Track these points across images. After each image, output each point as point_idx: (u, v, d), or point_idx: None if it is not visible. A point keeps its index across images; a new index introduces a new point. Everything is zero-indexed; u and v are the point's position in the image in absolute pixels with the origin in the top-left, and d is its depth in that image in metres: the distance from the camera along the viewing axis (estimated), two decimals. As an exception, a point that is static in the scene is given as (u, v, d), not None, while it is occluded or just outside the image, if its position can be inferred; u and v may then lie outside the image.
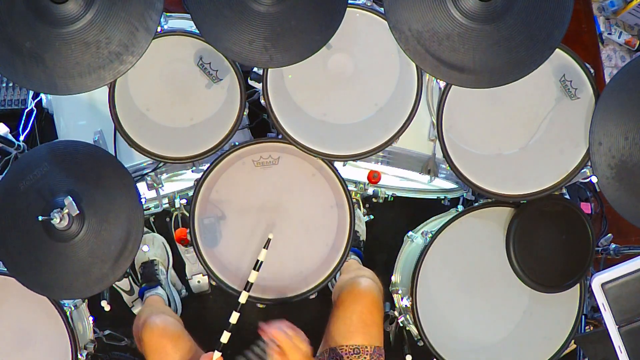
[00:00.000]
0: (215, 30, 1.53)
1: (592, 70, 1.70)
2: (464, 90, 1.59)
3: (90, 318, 1.85)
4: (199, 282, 2.23)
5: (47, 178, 1.52)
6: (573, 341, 1.84)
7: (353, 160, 1.78)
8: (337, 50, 1.73)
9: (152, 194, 1.94)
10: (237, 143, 1.75)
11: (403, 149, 1.89)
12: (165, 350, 1.66)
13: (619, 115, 1.58)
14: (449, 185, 2.09)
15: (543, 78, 1.70)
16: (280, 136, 1.73)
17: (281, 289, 1.76)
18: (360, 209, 2.26)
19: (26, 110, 2.31)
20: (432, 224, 2.04)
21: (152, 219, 2.26)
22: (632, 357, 1.44)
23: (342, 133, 1.75)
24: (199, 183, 1.74)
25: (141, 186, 1.83)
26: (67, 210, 1.42)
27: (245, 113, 1.75)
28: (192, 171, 1.88)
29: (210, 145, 1.73)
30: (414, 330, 1.92)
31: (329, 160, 1.76)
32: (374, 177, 1.99)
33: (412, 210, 2.35)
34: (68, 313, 1.67)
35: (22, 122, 2.30)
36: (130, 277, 2.17)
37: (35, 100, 2.30)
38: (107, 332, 2.00)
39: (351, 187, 2.07)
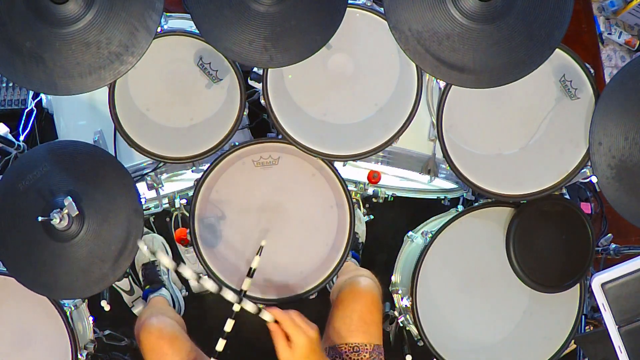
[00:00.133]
0: (215, 30, 1.53)
1: (592, 70, 1.70)
2: (464, 90, 1.59)
3: (90, 318, 1.85)
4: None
5: (46, 178, 1.52)
6: (573, 341, 1.84)
7: (353, 160, 1.78)
8: (337, 50, 1.73)
9: (152, 194, 1.94)
10: (237, 143, 1.75)
11: (403, 149, 1.89)
12: (162, 351, 1.66)
13: (619, 115, 1.58)
14: (449, 185, 2.09)
15: (543, 78, 1.70)
16: (280, 136, 1.73)
17: (281, 289, 1.76)
18: (360, 209, 2.26)
19: (26, 110, 2.31)
20: (432, 224, 2.04)
21: (152, 219, 2.26)
22: (632, 357, 1.44)
23: (342, 133, 1.75)
24: (199, 183, 1.74)
25: (141, 186, 1.83)
26: (67, 211, 1.42)
27: (245, 113, 1.75)
28: (192, 171, 1.88)
29: (210, 145, 1.73)
30: (414, 330, 1.92)
31: (329, 160, 1.76)
32: (374, 177, 1.99)
33: (412, 210, 2.35)
34: (68, 313, 1.67)
35: (22, 122, 2.30)
36: (130, 277, 2.18)
37: (35, 100, 2.30)
38: (107, 332, 2.00)
39: (351, 187, 2.07)
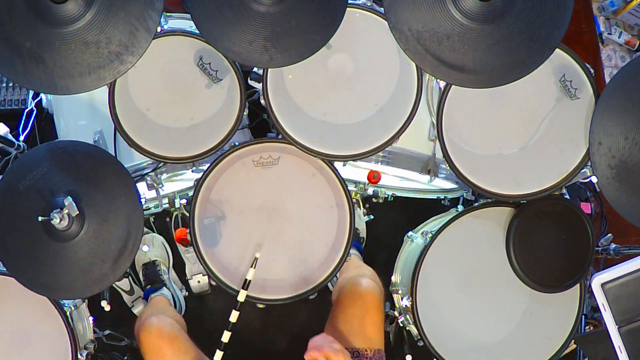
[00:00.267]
0: (215, 30, 1.53)
1: (592, 70, 1.70)
2: (464, 90, 1.59)
3: (90, 318, 1.85)
4: (199, 282, 2.23)
5: (47, 178, 1.52)
6: (573, 341, 1.84)
7: (353, 160, 1.78)
8: (337, 50, 1.73)
9: (152, 194, 1.94)
10: (237, 143, 1.75)
11: (403, 149, 1.88)
12: (162, 351, 1.66)
13: (619, 115, 1.58)
14: (449, 185, 2.09)
15: (543, 78, 1.70)
16: (280, 136, 1.73)
17: (281, 289, 1.76)
18: (360, 209, 2.26)
19: (26, 110, 2.31)
20: (432, 224, 2.04)
21: (152, 219, 2.26)
22: (632, 357, 1.44)
23: (342, 133, 1.75)
24: (199, 183, 1.74)
25: (141, 186, 1.83)
26: (67, 211, 1.42)
27: (245, 113, 1.75)
28: (192, 171, 1.88)
29: (210, 145, 1.73)
30: (414, 330, 1.92)
31: (329, 160, 1.76)
32: (374, 177, 1.99)
33: (412, 210, 2.35)
34: (68, 313, 1.67)
35: (22, 122, 2.30)
36: (130, 277, 2.17)
37: (35, 100, 2.30)
38: (107, 332, 2.00)
39: (351, 187, 2.07)
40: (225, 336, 1.56)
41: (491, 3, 1.45)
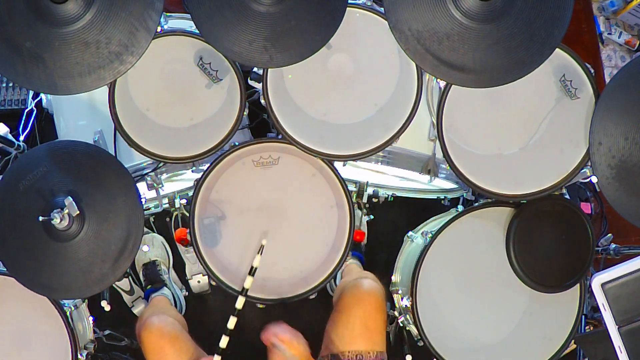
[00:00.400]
0: (215, 30, 1.53)
1: (592, 70, 1.70)
2: (464, 90, 1.59)
3: (90, 318, 1.85)
4: (199, 282, 2.23)
5: (47, 178, 1.52)
6: (573, 341, 1.84)
7: (353, 160, 1.78)
8: (337, 50, 1.73)
9: (152, 194, 1.94)
10: (237, 143, 1.75)
11: (403, 148, 1.88)
12: (163, 351, 1.66)
13: (619, 115, 1.58)
14: (449, 185, 2.09)
15: (543, 78, 1.70)
16: (280, 136, 1.73)
17: (281, 289, 1.76)
18: (360, 209, 2.25)
19: (26, 110, 2.31)
20: (432, 224, 2.04)
21: (152, 219, 2.26)
22: (632, 357, 1.44)
23: (342, 133, 1.75)
24: (199, 183, 1.74)
25: (141, 186, 1.83)
26: (67, 211, 1.42)
27: (245, 113, 1.75)
28: (192, 171, 1.88)
29: (210, 145, 1.73)
30: (414, 330, 1.92)
31: (329, 160, 1.76)
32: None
33: (412, 210, 2.35)
34: (68, 313, 1.67)
35: (22, 122, 2.30)
36: (130, 277, 2.17)
37: (35, 100, 2.30)
38: (107, 332, 2.00)
39: (351, 187, 2.07)
40: (231, 322, 1.56)
41: (491, 3, 1.45)
